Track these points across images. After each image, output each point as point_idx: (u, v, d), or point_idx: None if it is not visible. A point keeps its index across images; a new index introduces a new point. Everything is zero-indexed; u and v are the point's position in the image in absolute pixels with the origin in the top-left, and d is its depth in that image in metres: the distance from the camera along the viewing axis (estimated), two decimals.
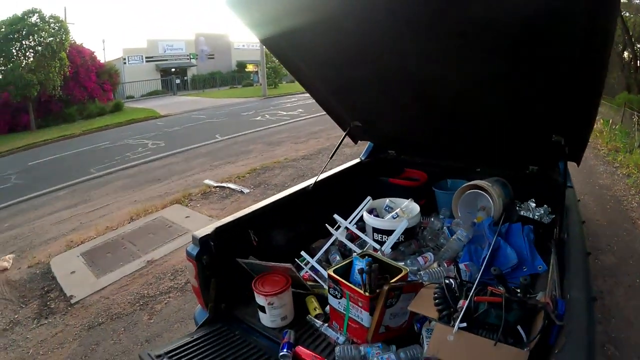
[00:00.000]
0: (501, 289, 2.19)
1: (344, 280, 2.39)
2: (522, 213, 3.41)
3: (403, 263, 2.91)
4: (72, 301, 5.13)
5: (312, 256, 3.20)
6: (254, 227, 3.12)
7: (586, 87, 2.27)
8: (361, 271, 2.34)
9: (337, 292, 2.44)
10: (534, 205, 3.46)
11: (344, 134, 4.08)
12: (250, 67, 44.71)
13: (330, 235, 3.32)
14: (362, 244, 3.32)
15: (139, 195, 9.39)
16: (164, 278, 5.49)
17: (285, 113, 20.68)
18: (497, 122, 3.07)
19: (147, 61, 38.35)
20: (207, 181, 9.44)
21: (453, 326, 2.04)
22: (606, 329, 3.96)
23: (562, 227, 2.87)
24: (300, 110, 21.13)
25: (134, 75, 36.00)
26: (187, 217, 7.47)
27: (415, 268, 2.91)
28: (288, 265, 2.73)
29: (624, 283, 4.90)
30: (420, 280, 2.58)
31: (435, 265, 2.97)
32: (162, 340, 4.20)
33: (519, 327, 2.05)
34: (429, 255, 3.07)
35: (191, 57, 41.55)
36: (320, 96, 3.72)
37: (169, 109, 24.99)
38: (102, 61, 30.52)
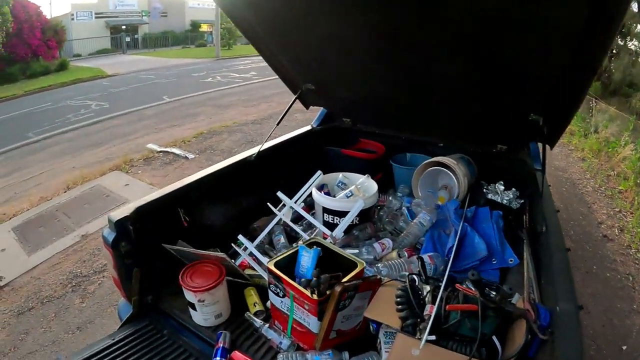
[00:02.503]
0: (473, 289, 1.87)
1: (287, 278, 1.95)
2: (489, 196, 3.07)
3: (357, 250, 2.57)
4: (1, 283, 4.77)
5: (253, 238, 2.82)
6: (184, 204, 2.68)
7: (584, 61, 1.94)
8: (305, 284, 1.94)
9: (279, 290, 2.03)
10: (502, 187, 3.12)
11: (294, 97, 3.64)
12: (204, 27, 43.61)
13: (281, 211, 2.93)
14: (311, 223, 2.95)
15: (78, 161, 8.77)
16: (98, 254, 5.12)
17: (237, 75, 20.21)
18: (468, 92, 2.70)
19: (96, 17, 36.67)
20: (150, 145, 9.03)
21: (419, 338, 1.71)
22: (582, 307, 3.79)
23: (533, 214, 2.67)
24: (254, 73, 20.61)
25: (82, 33, 34.28)
26: (126, 185, 7.09)
27: (372, 257, 2.55)
28: (221, 254, 2.34)
29: (581, 269, 4.92)
30: (378, 276, 2.17)
31: (394, 254, 2.59)
32: (94, 328, 3.94)
33: (494, 338, 1.75)
34: (387, 242, 2.68)
35: (143, 14, 39.95)
36: (271, 55, 3.26)
37: (116, 68, 24.12)
38: (48, 17, 29.07)
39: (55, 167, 8.64)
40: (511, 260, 2.55)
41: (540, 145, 2.88)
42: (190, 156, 8.25)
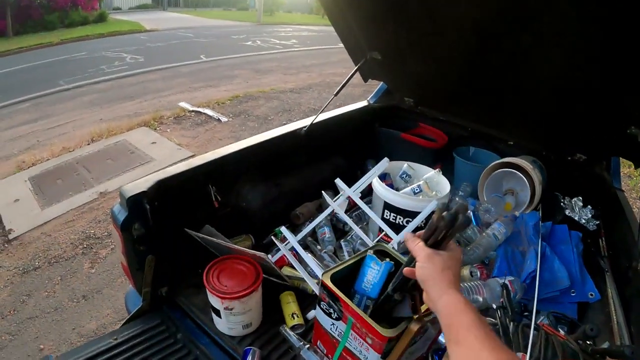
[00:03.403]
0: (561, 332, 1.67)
1: (349, 302, 1.49)
2: (567, 212, 2.62)
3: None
4: (10, 236, 4.61)
5: (293, 226, 2.47)
6: (217, 181, 2.24)
7: None
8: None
9: (332, 311, 1.58)
10: (581, 204, 2.66)
11: (358, 65, 3.10)
12: None
13: (322, 199, 2.58)
14: (360, 215, 2.62)
15: (107, 113, 8.51)
16: None
17: (278, 42, 19.66)
18: (558, 89, 2.21)
19: None
20: (182, 104, 8.79)
21: None
22: None
23: (615, 240, 2.33)
24: (295, 41, 20.08)
25: None
26: (153, 142, 6.82)
27: None
28: (261, 254, 1.90)
29: None
30: None
31: (465, 271, 2.15)
32: (101, 299, 3.71)
33: None
34: None
35: None
36: (340, 14, 2.80)
37: (155, 24, 23.79)
38: None
39: (84, 117, 8.41)
40: (592, 295, 2.12)
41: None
42: (224, 119, 7.98)
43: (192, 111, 8.32)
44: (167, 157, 6.09)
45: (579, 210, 2.62)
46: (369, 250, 1.68)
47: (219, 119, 7.93)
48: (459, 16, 2.07)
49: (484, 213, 2.60)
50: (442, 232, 1.15)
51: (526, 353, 1.48)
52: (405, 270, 1.31)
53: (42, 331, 3.39)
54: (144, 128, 7.38)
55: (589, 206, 2.63)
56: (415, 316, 1.41)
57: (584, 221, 2.56)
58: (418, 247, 1.21)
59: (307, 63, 14.27)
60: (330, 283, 1.51)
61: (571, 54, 1.87)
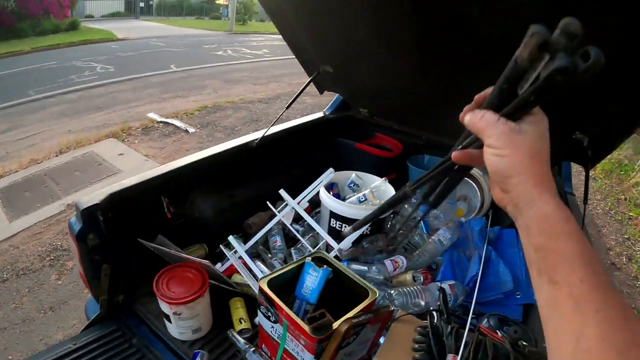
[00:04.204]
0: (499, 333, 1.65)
1: (282, 304, 1.56)
2: None
3: (366, 267, 2.22)
4: None
5: (247, 235, 2.51)
6: (170, 193, 2.31)
7: None
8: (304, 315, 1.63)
9: (270, 314, 1.65)
10: None
11: (310, 78, 3.19)
12: (220, 0, 43.06)
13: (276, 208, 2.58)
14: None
15: (76, 124, 8.50)
16: None
17: (249, 51, 19.83)
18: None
19: None
20: (151, 114, 8.78)
21: None
22: None
23: None
24: (266, 50, 20.25)
25: None
26: (120, 154, 6.82)
27: (382, 277, 2.20)
28: (205, 262, 1.98)
29: None
30: (391, 307, 1.81)
31: (408, 277, 2.21)
32: (67, 310, 3.76)
33: None
34: (401, 260, 2.30)
35: None
36: (290, 30, 2.85)
37: (127, 33, 23.77)
38: None
39: (53, 128, 8.39)
40: None
41: (587, 168, 2.49)
42: (191, 130, 8.01)
43: (161, 122, 8.33)
44: (134, 169, 6.09)
45: None
46: (307, 258, 1.77)
47: (186, 130, 7.94)
48: (403, 32, 2.17)
49: (434, 219, 2.67)
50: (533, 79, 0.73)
51: (457, 354, 1.52)
52: (456, 155, 0.95)
53: (11, 342, 3.42)
54: (112, 139, 7.37)
55: None
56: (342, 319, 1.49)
57: None
58: (487, 120, 0.82)
59: (277, 73, 14.35)
60: (267, 288, 1.59)
61: None
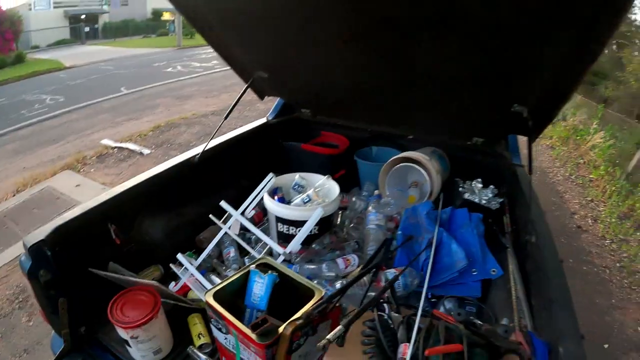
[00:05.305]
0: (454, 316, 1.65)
1: (226, 314, 1.59)
2: (466, 195, 2.74)
3: (316, 266, 2.25)
4: None
5: (200, 251, 2.49)
6: (115, 219, 2.28)
7: (584, 52, 1.66)
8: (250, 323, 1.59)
9: (220, 326, 1.67)
10: (480, 185, 2.80)
11: (245, 87, 3.21)
12: (166, 16, 42.09)
13: (227, 220, 2.59)
14: (265, 230, 2.62)
15: (30, 160, 8.35)
16: None
17: (198, 65, 19.88)
18: (446, 79, 2.33)
19: (55, 7, 35.52)
20: (104, 141, 8.70)
21: None
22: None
23: (516, 217, 2.42)
24: (215, 62, 19.97)
25: (40, 23, 33.00)
26: (77, 185, 6.78)
27: (333, 274, 2.22)
28: (152, 282, 2.00)
29: None
30: (338, 304, 1.78)
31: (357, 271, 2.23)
32: (42, 350, 3.75)
33: None
34: (352, 258, 2.32)
35: (103, 3, 38.88)
36: (219, 40, 2.85)
37: (75, 60, 23.42)
38: (3, 8, 28.17)
39: (7, 167, 8.23)
40: (494, 271, 2.22)
41: (530, 139, 2.56)
42: (146, 151, 7.98)
43: (115, 147, 8.26)
44: (92, 198, 5.89)
45: (479, 192, 2.75)
46: (251, 266, 1.78)
47: (141, 152, 7.90)
48: (328, 29, 2.20)
49: (385, 206, 2.69)
50: None
51: (409, 343, 1.54)
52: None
53: None
54: (67, 171, 7.29)
55: (491, 186, 2.76)
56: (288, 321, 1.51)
57: (484, 202, 2.68)
58: None
59: (228, 83, 14.31)
60: (212, 300, 1.61)
61: (454, 48, 2.01)
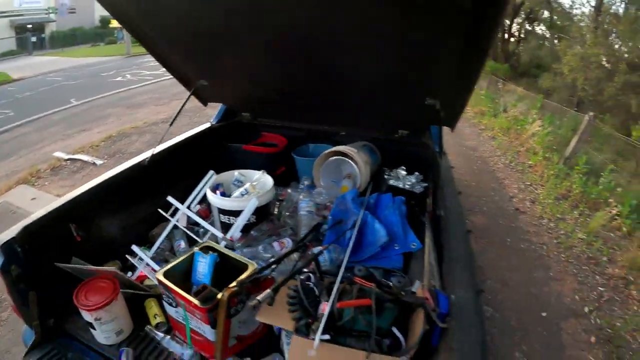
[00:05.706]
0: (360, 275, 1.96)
1: (173, 286, 1.90)
2: (391, 182, 3.08)
3: (254, 249, 2.54)
4: None
5: (153, 245, 2.74)
6: (76, 219, 2.53)
7: (474, 45, 1.95)
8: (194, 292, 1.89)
9: (171, 300, 1.98)
10: (404, 172, 3.16)
11: (188, 95, 3.52)
12: (114, 23, 41.13)
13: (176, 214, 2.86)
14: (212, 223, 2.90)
15: None
16: None
17: (148, 72, 19.78)
18: (366, 79, 2.69)
19: None
20: (57, 153, 8.66)
21: (313, 339, 1.67)
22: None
23: (437, 198, 2.66)
24: (164, 70, 19.88)
25: None
26: (33, 199, 6.80)
27: (269, 255, 2.50)
28: (111, 269, 2.27)
29: (496, 243, 5.16)
30: (269, 276, 2.10)
31: (295, 255, 2.50)
32: (12, 358, 3.75)
33: (394, 329, 1.75)
34: (287, 241, 2.64)
35: (50, 11, 37.75)
36: (160, 50, 3.11)
37: (23, 72, 22.96)
38: None
39: None
40: (414, 245, 2.56)
41: (440, 128, 2.96)
42: (99, 162, 8.02)
43: (68, 159, 8.24)
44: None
45: (402, 178, 3.11)
46: (195, 248, 2.09)
47: (94, 163, 7.94)
48: (263, 40, 2.53)
49: (318, 195, 3.03)
50: None
51: (328, 301, 1.82)
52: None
53: None
54: (22, 186, 7.30)
55: (416, 173, 3.14)
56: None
57: (408, 186, 3.03)
58: None
59: (178, 90, 13.46)
60: (162, 277, 1.93)
61: (370, 56, 2.36)
